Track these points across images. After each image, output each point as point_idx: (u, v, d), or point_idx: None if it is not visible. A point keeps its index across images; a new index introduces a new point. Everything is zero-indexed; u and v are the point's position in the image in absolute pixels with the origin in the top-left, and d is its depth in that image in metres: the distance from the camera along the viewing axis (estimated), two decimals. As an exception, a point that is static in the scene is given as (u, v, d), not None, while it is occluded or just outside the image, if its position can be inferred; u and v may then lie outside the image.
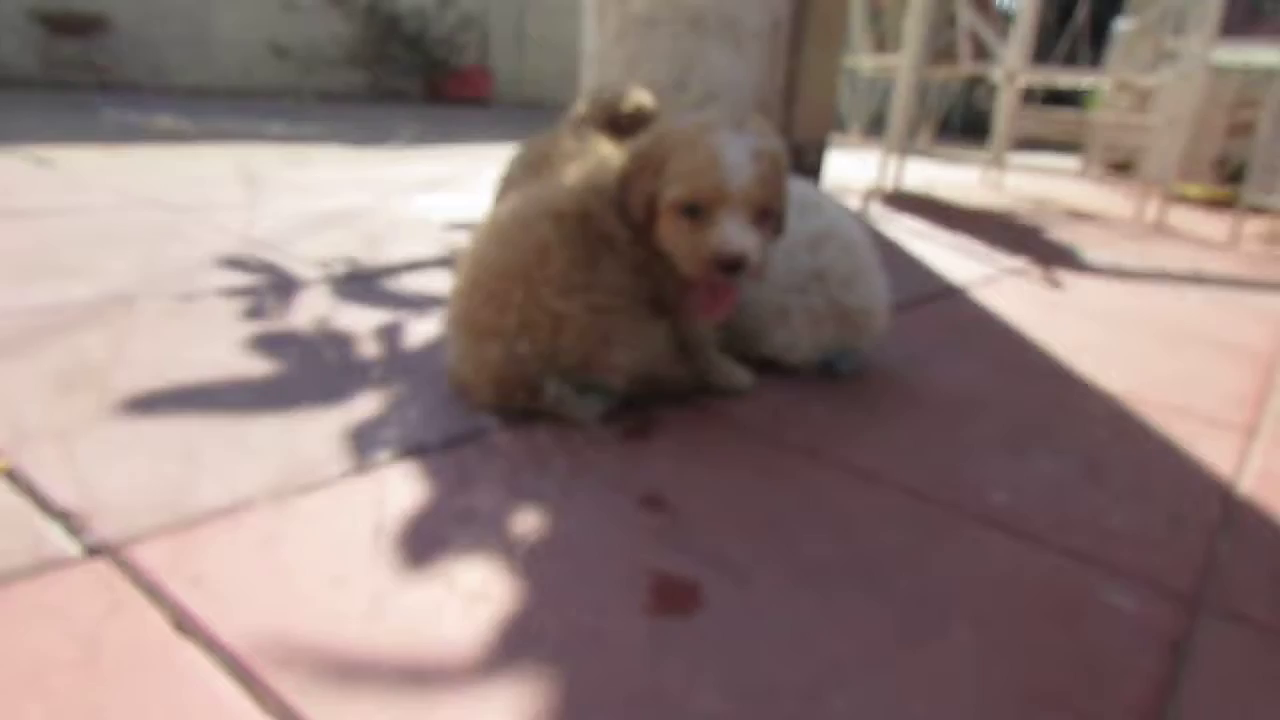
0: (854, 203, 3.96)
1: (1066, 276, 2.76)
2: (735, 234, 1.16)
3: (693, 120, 1.24)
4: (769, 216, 1.23)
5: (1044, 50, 5.38)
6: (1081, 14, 4.24)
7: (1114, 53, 6.10)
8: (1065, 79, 4.86)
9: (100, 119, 4.23)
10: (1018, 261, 2.91)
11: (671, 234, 1.21)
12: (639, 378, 1.25)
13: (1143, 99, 5.44)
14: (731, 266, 1.17)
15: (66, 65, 5.54)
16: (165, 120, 4.38)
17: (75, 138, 3.47)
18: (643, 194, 1.20)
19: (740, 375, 1.42)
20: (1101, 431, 1.47)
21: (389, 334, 1.51)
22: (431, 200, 2.86)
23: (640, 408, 1.29)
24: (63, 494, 0.90)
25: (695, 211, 1.18)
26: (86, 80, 5.65)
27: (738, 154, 1.17)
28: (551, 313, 1.17)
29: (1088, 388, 1.68)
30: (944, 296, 2.32)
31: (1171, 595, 0.97)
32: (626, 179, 1.22)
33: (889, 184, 4.26)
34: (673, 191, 1.18)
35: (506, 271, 1.18)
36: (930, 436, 1.37)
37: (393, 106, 6.96)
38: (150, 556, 0.82)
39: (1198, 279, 2.97)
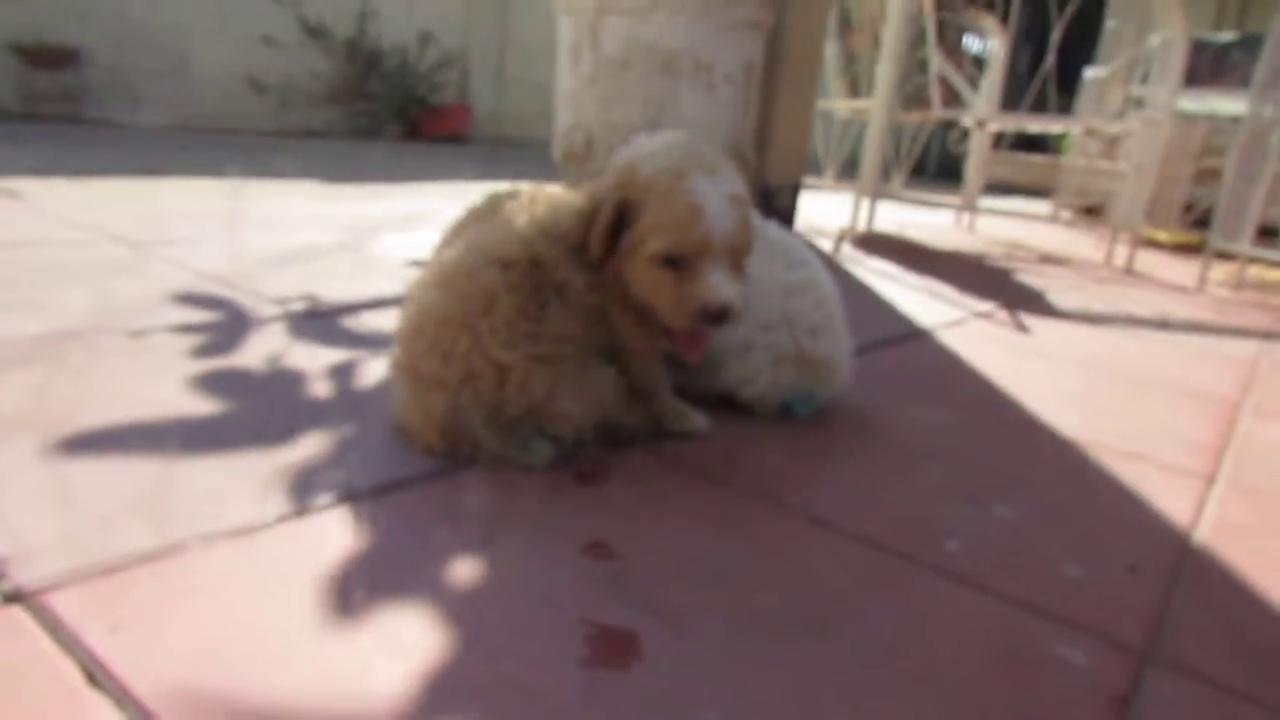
0: (825, 244, 3.99)
1: (1034, 321, 2.78)
2: (721, 285, 1.16)
3: (659, 157, 1.22)
4: (743, 259, 1.23)
5: (1015, 95, 5.48)
6: (1050, 61, 4.32)
7: (1084, 99, 6.24)
8: (1035, 125, 4.94)
9: (75, 151, 4.21)
10: (986, 305, 2.93)
11: (651, 285, 1.20)
12: (588, 425, 1.23)
13: (1112, 145, 5.55)
14: (718, 318, 1.17)
15: (42, 98, 5.51)
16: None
17: (47, 170, 3.44)
18: (608, 240, 1.19)
19: (695, 419, 1.40)
20: (1060, 479, 1.47)
21: (341, 374, 1.48)
22: (400, 238, 2.85)
23: (593, 452, 1.28)
24: (-18, 538, 0.87)
25: (677, 263, 1.17)
26: (63, 113, 5.63)
27: (717, 203, 1.16)
28: (495, 363, 1.15)
29: (1049, 434, 1.68)
30: (910, 339, 2.32)
31: (1122, 648, 0.96)
32: (588, 224, 1.20)
33: (861, 226, 4.29)
34: (655, 244, 1.16)
35: (450, 319, 1.16)
36: (886, 482, 1.36)
37: (371, 143, 6.98)
38: (68, 604, 0.79)
39: (1164, 324, 3.00)
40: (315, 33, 6.97)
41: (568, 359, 1.19)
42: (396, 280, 2.21)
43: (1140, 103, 4.82)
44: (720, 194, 1.17)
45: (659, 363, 1.33)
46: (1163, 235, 5.62)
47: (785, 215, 4.32)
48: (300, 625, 0.81)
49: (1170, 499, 1.41)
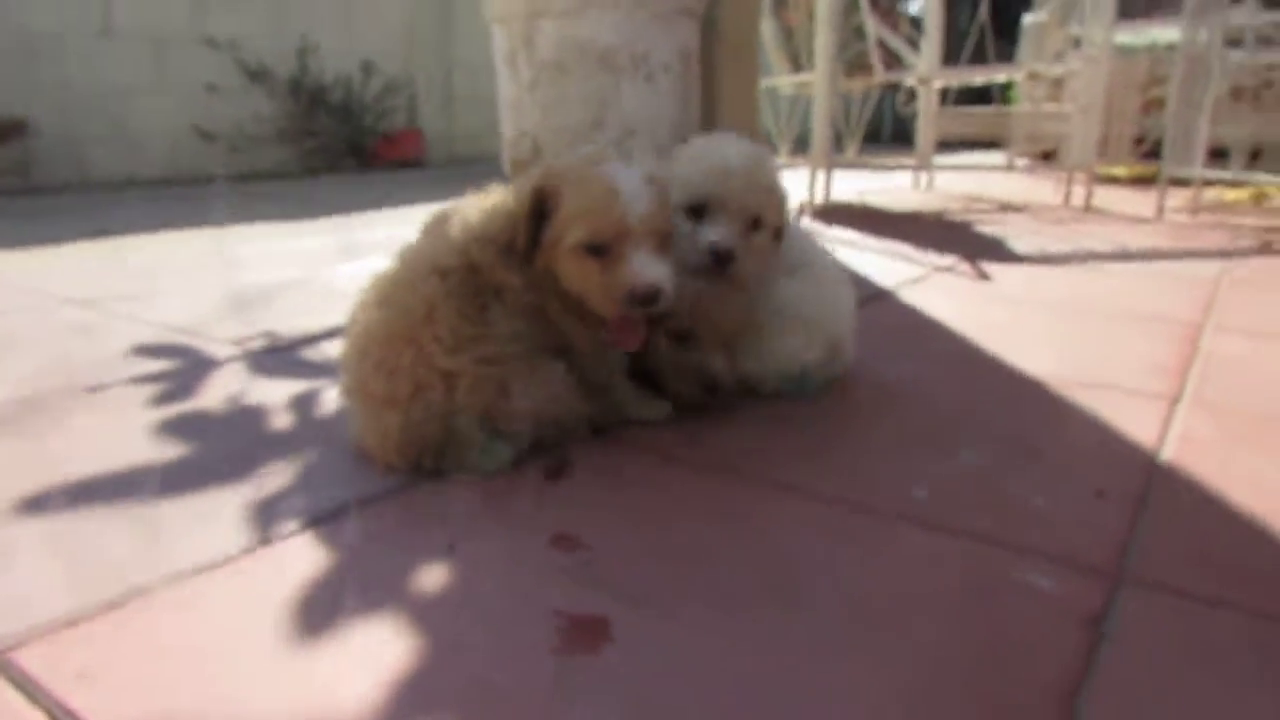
0: (786, 220, 3.99)
1: (995, 268, 2.80)
2: (646, 267, 1.16)
3: (579, 154, 1.24)
4: (668, 240, 1.23)
5: (957, 51, 5.51)
6: (983, 12, 4.35)
7: (1025, 45, 6.28)
8: (978, 76, 4.97)
9: (24, 223, 4.17)
10: (947, 259, 2.95)
11: (578, 275, 1.19)
12: (545, 421, 1.23)
13: (1058, 87, 5.58)
14: (648, 300, 1.16)
15: (-11, 175, 5.47)
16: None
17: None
18: (531, 235, 1.19)
19: (655, 406, 1.40)
20: (1027, 417, 1.48)
21: (302, 404, 1.48)
22: (359, 266, 2.84)
23: (558, 448, 1.28)
24: (-58, 608, 0.87)
25: (600, 250, 1.17)
26: (12, 185, 5.58)
27: (632, 184, 1.16)
28: (442, 372, 1.15)
29: (1014, 375, 1.69)
30: (872, 301, 2.33)
31: (1092, 571, 0.97)
32: (515, 223, 1.21)
33: (819, 198, 4.31)
34: (576, 233, 1.16)
35: (392, 335, 1.16)
36: (852, 441, 1.37)
37: (326, 178, 6.95)
38: (34, 658, 0.79)
39: (1123, 255, 3.03)
40: (256, 75, 6.93)
41: (515, 357, 1.19)
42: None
43: (1079, 43, 4.85)
44: (634, 175, 1.17)
45: (606, 354, 1.32)
46: (1119, 170, 5.66)
47: (743, 196, 4.32)
48: (267, 653, 0.81)
49: (1136, 423, 1.42)
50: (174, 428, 1.38)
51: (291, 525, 1.05)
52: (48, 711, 0.72)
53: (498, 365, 1.17)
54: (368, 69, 7.65)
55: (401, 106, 8.00)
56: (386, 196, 5.29)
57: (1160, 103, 5.33)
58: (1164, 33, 5.53)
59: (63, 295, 2.35)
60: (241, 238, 3.56)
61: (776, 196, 1.47)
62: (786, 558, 1.00)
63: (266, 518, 1.06)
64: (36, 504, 1.11)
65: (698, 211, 1.40)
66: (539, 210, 1.18)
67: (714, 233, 1.37)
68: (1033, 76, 5.09)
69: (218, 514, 1.08)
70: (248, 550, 0.99)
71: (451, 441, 1.17)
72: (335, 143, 7.45)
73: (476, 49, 8.35)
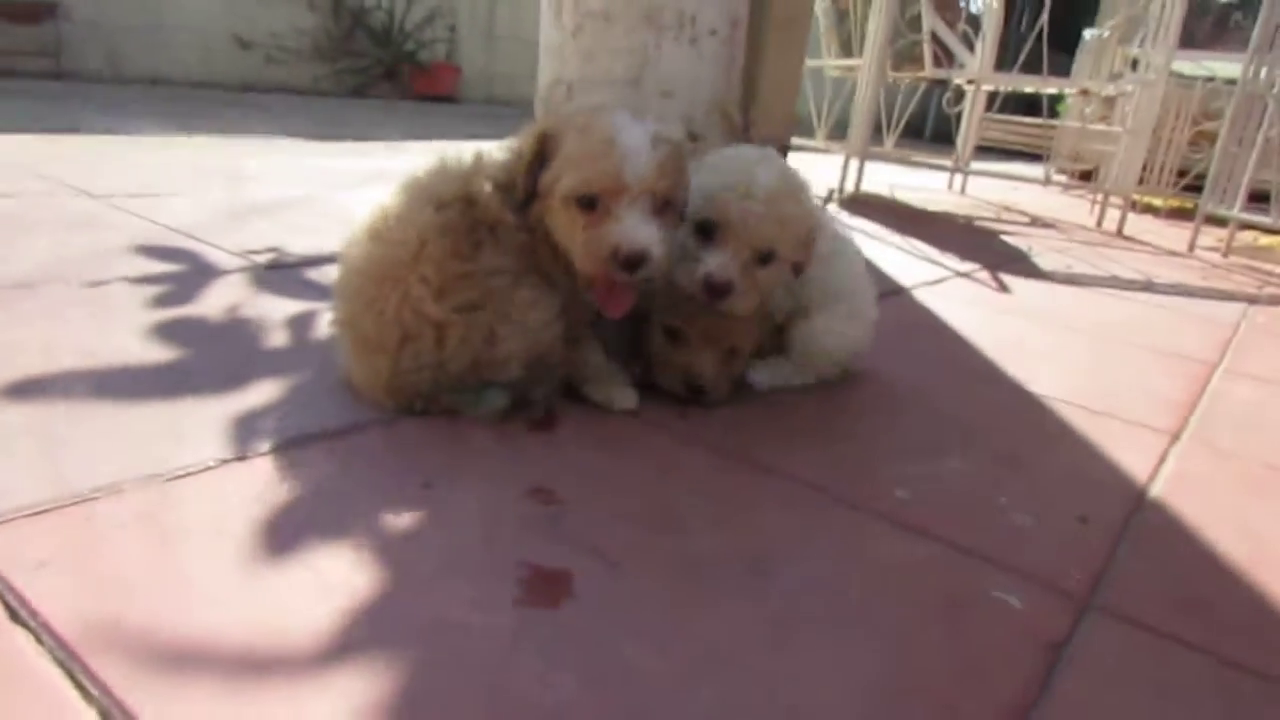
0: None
1: (1015, 281, 2.77)
2: (636, 228, 1.09)
3: (593, 104, 1.20)
4: (671, 208, 1.17)
5: (1013, 53, 5.41)
6: (1044, 19, 4.25)
7: (1082, 60, 6.15)
8: (1029, 85, 4.88)
9: (50, 108, 4.15)
10: (968, 265, 2.91)
11: (566, 228, 1.13)
12: (533, 358, 1.18)
13: (1108, 106, 5.48)
14: (632, 264, 1.09)
15: (19, 53, 5.42)
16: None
17: (19, 127, 3.38)
18: (531, 180, 1.14)
19: (619, 393, 1.30)
20: (1020, 433, 1.46)
21: (298, 324, 1.47)
22: (375, 192, 2.82)
23: (546, 393, 1.26)
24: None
25: (590, 203, 1.11)
26: (40, 69, 5.54)
27: (636, 139, 1.10)
28: (432, 322, 1.12)
29: (1015, 389, 1.67)
30: (888, 297, 2.30)
31: (1062, 594, 0.96)
32: (514, 163, 1.17)
33: (849, 187, 4.26)
34: (567, 181, 1.11)
35: (383, 274, 1.13)
36: (843, 434, 1.36)
37: (358, 101, 6.89)
38: (5, 541, 0.79)
39: (1148, 286, 2.99)
40: (300, -13, 6.85)
41: (505, 290, 1.15)
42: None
43: (1137, 64, 4.74)
44: (640, 131, 1.11)
45: (585, 310, 1.26)
46: (1157, 200, 5.57)
47: (773, 175, 4.27)
48: (229, 566, 0.80)
49: (1131, 454, 1.40)
50: (167, 331, 1.37)
51: (268, 444, 1.04)
52: (2, 599, 0.71)
53: (484, 308, 1.14)
54: (412, -5, 7.55)
55: (441, 39, 7.90)
56: (416, 127, 5.24)
57: (1209, 136, 5.23)
58: (1224, 66, 5.41)
59: (76, 185, 2.34)
60: (264, 151, 3.53)
61: (801, 230, 1.32)
62: (759, 535, 0.99)
63: (245, 434, 1.06)
64: (19, 390, 1.11)
65: (706, 231, 1.27)
66: (540, 154, 1.14)
67: (713, 261, 1.24)
68: (1085, 93, 4.99)
69: (198, 423, 1.07)
70: (223, 462, 0.98)
71: (442, 390, 1.15)
72: (371, 66, 7.37)
73: (523, -13, 8.24)
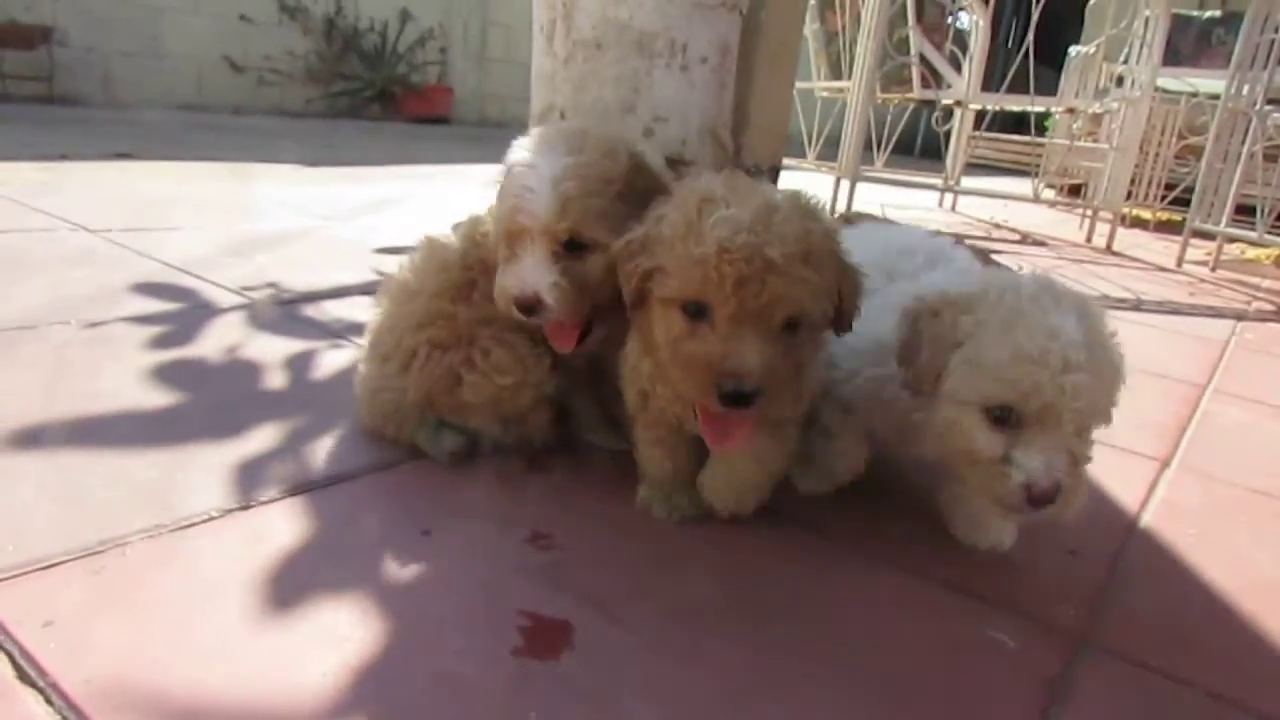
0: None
1: (1005, 301, 2.78)
2: (524, 273, 1.05)
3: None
4: (588, 248, 1.07)
5: (1000, 71, 5.47)
6: (1029, 39, 4.29)
7: (1068, 77, 6.22)
8: (1015, 104, 4.93)
9: (44, 133, 4.16)
10: (959, 286, 2.93)
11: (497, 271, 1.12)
12: (500, 418, 1.18)
13: (1095, 122, 5.54)
14: (524, 309, 1.06)
15: (13, 77, 5.44)
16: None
17: (12, 154, 3.39)
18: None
19: (608, 434, 1.29)
20: (1013, 461, 1.48)
21: (298, 364, 1.48)
22: (372, 221, 2.84)
23: (545, 439, 1.28)
24: (-83, 536, 0.88)
25: (508, 248, 1.09)
26: (34, 93, 5.56)
27: (539, 179, 1.04)
28: (405, 348, 1.16)
29: (1007, 416, 1.69)
30: (879, 322, 2.32)
31: (1055, 631, 0.98)
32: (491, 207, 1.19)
33: (841, 207, 4.29)
34: (493, 229, 1.13)
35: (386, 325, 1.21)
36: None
37: (351, 123, 6.92)
38: (3, 601, 0.80)
39: (1137, 305, 3.02)
40: (292, 11, 6.89)
41: (481, 341, 1.16)
42: (363, 268, 2.20)
43: (1122, 81, 4.80)
44: (548, 169, 1.04)
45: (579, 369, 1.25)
46: (1145, 214, 5.62)
47: (765, 196, 4.30)
48: (235, 620, 0.81)
49: (1122, 483, 1.42)
50: (168, 374, 1.38)
51: (272, 491, 1.05)
52: (11, 658, 0.73)
53: (452, 350, 1.15)
54: (404, 17, 7.60)
55: (434, 61, 7.96)
56: (409, 151, 5.27)
57: (1194, 150, 5.28)
58: (1208, 83, 5.47)
59: (73, 219, 2.35)
60: (258, 178, 3.55)
61: (1119, 379, 0.99)
62: (755, 580, 1.01)
63: (248, 482, 1.07)
64: (25, 439, 1.12)
65: (1004, 419, 0.94)
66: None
67: (1033, 464, 0.92)
68: (1072, 111, 5.05)
69: (200, 471, 1.08)
70: (226, 512, 1.00)
71: (405, 418, 1.17)
72: (364, 88, 7.41)
73: (513, 10, 8.30)
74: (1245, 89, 3.91)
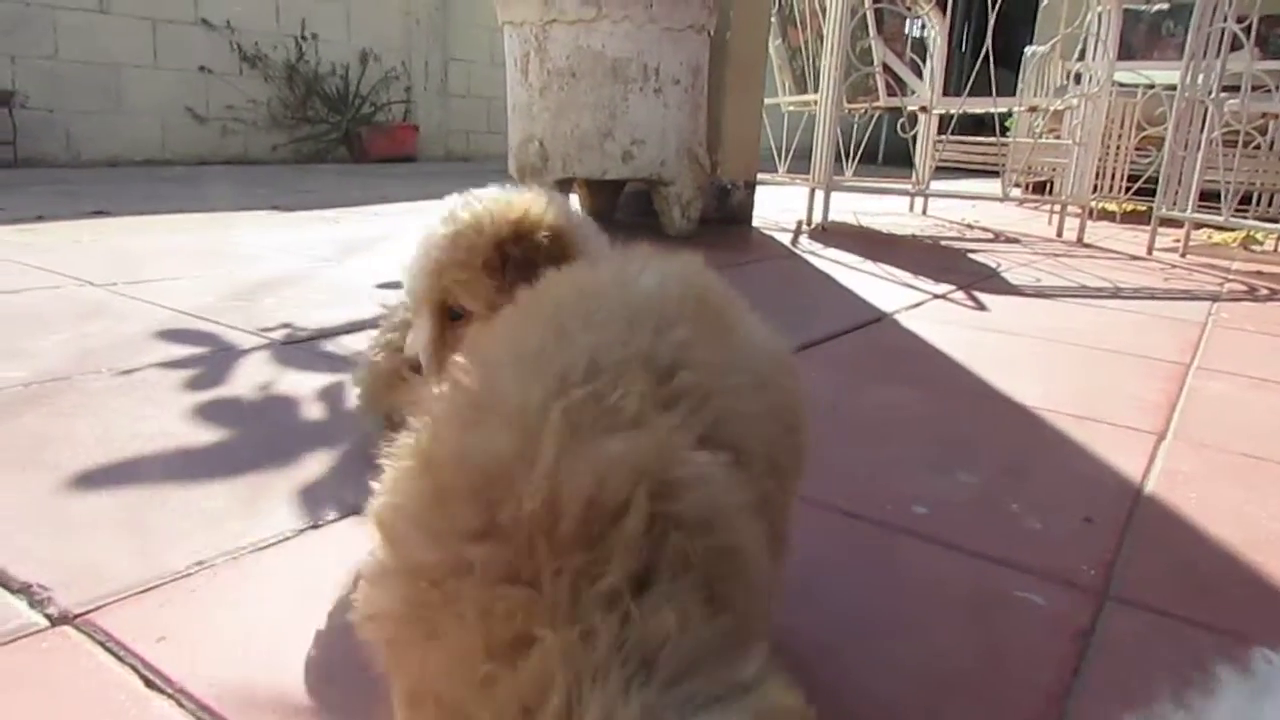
0: (784, 239, 4.08)
1: (990, 298, 2.89)
2: (413, 340, 1.09)
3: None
4: (443, 306, 1.06)
5: (960, 75, 5.63)
6: (987, 43, 4.43)
7: (1026, 76, 6.40)
8: (978, 107, 5.08)
9: (15, 197, 4.18)
10: (943, 286, 3.04)
11: None
12: None
13: (1056, 119, 5.71)
14: (413, 368, 1.09)
15: (-25, 142, 5.45)
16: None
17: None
18: None
19: None
20: (1020, 444, 1.56)
21: (329, 396, 1.54)
22: (363, 262, 2.90)
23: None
24: (22, 570, 0.92)
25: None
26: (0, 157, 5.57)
27: (415, 249, 1.06)
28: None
29: (1008, 403, 1.77)
30: (872, 324, 2.41)
31: (1080, 589, 1.05)
32: None
33: (817, 218, 4.40)
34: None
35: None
36: (855, 458, 1.44)
37: (319, 167, 6.97)
38: (114, 621, 0.85)
39: (1114, 293, 3.13)
40: (252, 60, 6.94)
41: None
42: (367, 304, 2.26)
43: (1080, 78, 4.96)
44: (424, 237, 1.06)
45: None
46: (1113, 205, 5.79)
47: (743, 212, 4.42)
48: (335, 622, 0.87)
49: (1123, 455, 1.50)
50: (209, 413, 1.43)
51: (335, 513, 1.11)
52: (136, 670, 0.78)
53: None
54: (365, 59, 7.67)
55: (397, 99, 8.03)
56: (379, 190, 5.32)
57: (1154, 141, 5.46)
58: (1163, 74, 5.66)
59: (73, 275, 2.39)
60: (239, 225, 3.59)
61: None
62: (793, 560, 1.07)
63: (311, 504, 1.12)
64: (89, 480, 1.16)
65: None
66: None
67: None
68: (1033, 109, 5.21)
69: (263, 498, 1.14)
70: (299, 531, 1.05)
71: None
72: (329, 132, 7.46)
73: (473, 46, 8.42)
74: (1200, 78, 4.06)
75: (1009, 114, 6.53)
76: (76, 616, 0.85)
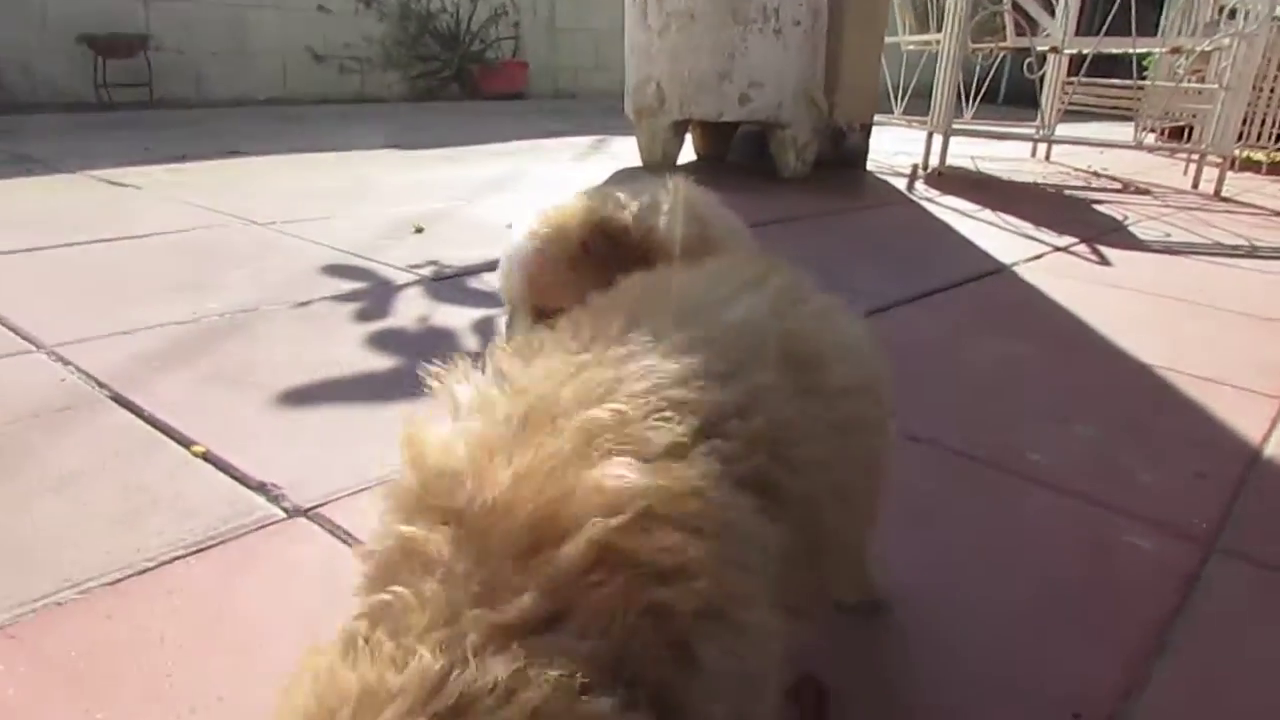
0: (900, 183, 4.06)
1: (1115, 253, 2.84)
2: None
3: None
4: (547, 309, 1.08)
5: (1096, 11, 5.35)
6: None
7: (1171, 13, 6.00)
8: (1115, 47, 4.83)
9: (155, 137, 4.47)
10: (1065, 239, 3.00)
11: None
12: None
13: (1203, 61, 5.36)
14: None
15: (117, 85, 5.83)
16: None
17: (139, 159, 3.63)
18: None
19: None
20: (1137, 401, 1.60)
21: (483, 328, 1.70)
22: (492, 201, 3.05)
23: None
24: (256, 471, 1.11)
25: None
26: (135, 99, 5.94)
27: (504, 262, 1.14)
28: None
29: (1127, 361, 1.80)
30: (990, 275, 2.43)
31: (1189, 538, 1.11)
32: None
33: (935, 162, 4.33)
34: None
35: None
36: (972, 405, 1.52)
37: (432, 105, 7.16)
38: (341, 515, 1.02)
39: (1250, 253, 3.01)
40: (367, -1, 7.14)
41: None
42: (502, 243, 2.41)
43: (1234, 14, 4.61)
44: (519, 244, 1.12)
45: None
46: (1259, 155, 5.44)
47: (858, 155, 4.39)
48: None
49: (1243, 418, 1.52)
50: (380, 341, 1.61)
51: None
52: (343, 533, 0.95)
53: None
54: (475, -4, 7.75)
55: (507, 36, 8.12)
56: (494, 128, 5.45)
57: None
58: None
59: (234, 214, 2.61)
60: (367, 165, 3.79)
61: None
62: (916, 494, 1.17)
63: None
64: (291, 398, 1.35)
65: None
66: None
67: None
68: (1177, 51, 4.91)
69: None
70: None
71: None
72: (441, 69, 7.62)
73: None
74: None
75: (1148, 55, 6.19)
76: (308, 510, 1.02)
